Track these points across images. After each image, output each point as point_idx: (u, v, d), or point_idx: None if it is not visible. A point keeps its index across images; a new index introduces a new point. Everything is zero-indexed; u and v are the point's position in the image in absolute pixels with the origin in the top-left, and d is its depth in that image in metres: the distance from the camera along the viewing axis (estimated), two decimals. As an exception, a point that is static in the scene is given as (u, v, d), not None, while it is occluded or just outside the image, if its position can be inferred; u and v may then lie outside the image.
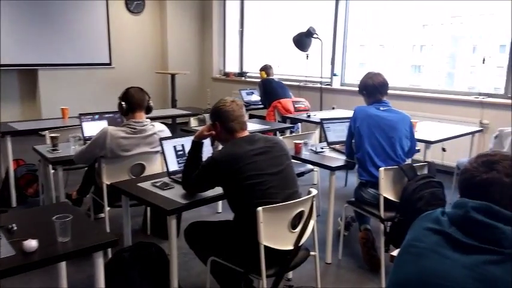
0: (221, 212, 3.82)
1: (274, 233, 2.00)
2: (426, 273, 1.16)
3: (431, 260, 1.17)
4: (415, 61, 6.00)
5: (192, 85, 8.11)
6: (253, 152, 2.03)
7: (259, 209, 1.91)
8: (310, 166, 3.64)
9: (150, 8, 7.65)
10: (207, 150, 2.34)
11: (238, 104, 2.14)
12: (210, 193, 2.25)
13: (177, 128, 5.74)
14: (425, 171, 2.79)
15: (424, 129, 4.02)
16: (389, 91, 5.23)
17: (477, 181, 1.21)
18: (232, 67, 8.06)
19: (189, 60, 8.04)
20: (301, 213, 2.11)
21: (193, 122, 4.14)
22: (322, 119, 3.55)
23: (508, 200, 1.19)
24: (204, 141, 2.26)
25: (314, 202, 2.22)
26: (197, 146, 2.21)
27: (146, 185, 2.40)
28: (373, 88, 2.93)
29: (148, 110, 2.89)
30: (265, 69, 5.55)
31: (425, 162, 2.87)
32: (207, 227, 2.29)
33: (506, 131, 3.96)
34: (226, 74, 7.97)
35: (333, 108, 5.72)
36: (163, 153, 2.53)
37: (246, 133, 2.14)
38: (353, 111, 2.97)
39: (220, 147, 2.31)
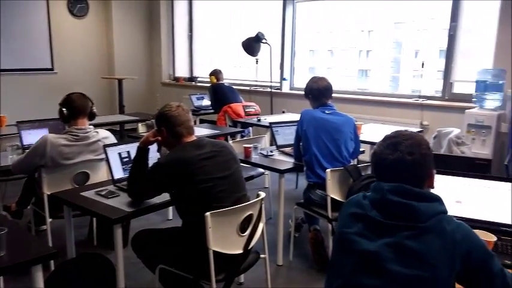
0: (172, 219, 3.76)
1: (223, 238, 2.00)
2: (360, 256, 1.24)
3: (362, 244, 1.25)
4: (362, 66, 6.21)
5: (140, 90, 7.95)
6: (201, 156, 2.02)
7: (207, 214, 1.90)
8: (261, 170, 3.67)
9: (95, 11, 7.41)
10: (154, 157, 2.30)
11: (184, 108, 2.12)
12: (157, 200, 2.20)
13: (126, 134, 5.59)
14: (369, 172, 2.89)
15: (368, 131, 4.17)
16: (338, 95, 5.41)
17: (386, 163, 1.31)
18: (182, 72, 7.97)
19: (137, 65, 7.87)
20: (250, 217, 2.12)
21: (141, 128, 4.05)
22: (271, 123, 3.60)
23: (414, 177, 1.28)
24: (150, 147, 2.22)
25: (263, 205, 2.23)
26: (142, 152, 2.16)
27: (90, 193, 2.31)
28: (318, 92, 3.01)
29: (92, 116, 2.80)
30: (215, 73, 5.54)
31: (368, 162, 2.98)
32: (154, 234, 2.25)
33: (444, 131, 4.20)
34: (176, 79, 7.88)
35: (283, 112, 5.82)
36: (107, 160, 2.45)
37: (193, 138, 2.13)
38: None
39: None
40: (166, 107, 2.11)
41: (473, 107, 4.37)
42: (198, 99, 5.89)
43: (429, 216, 1.22)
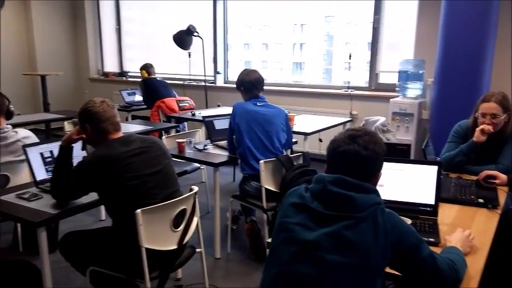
0: (105, 219, 3.62)
1: (156, 234, 1.96)
2: (300, 245, 1.27)
3: (302, 234, 1.28)
4: (296, 59, 6.33)
5: (67, 87, 7.54)
6: (129, 153, 1.95)
7: (138, 211, 1.85)
8: (196, 164, 3.64)
9: (11, 4, 6.89)
10: (79, 155, 2.20)
11: (109, 104, 2.04)
12: (84, 200, 2.10)
13: (52, 133, 5.28)
14: (301, 161, 2.97)
15: (301, 122, 4.28)
16: (273, 88, 5.49)
17: (340, 150, 1.35)
18: (111, 67, 7.66)
19: (62, 60, 7.45)
20: (183, 212, 2.09)
21: (67, 126, 3.85)
22: (204, 117, 3.57)
23: (362, 171, 1.34)
24: (74, 145, 2.11)
25: (196, 199, 2.22)
26: (66, 151, 2.05)
27: (10, 197, 2.16)
28: (250, 84, 3.03)
29: (9, 115, 2.61)
30: (146, 68, 5.38)
31: (300, 152, 3.06)
32: (83, 235, 2.15)
33: (371, 119, 4.41)
34: (106, 74, 7.56)
35: (219, 106, 5.80)
36: (28, 161, 2.30)
37: (120, 134, 2.05)
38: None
39: None
40: (89, 103, 2.02)
41: (397, 96, 4.64)
42: (129, 94, 5.71)
43: (365, 207, 1.27)
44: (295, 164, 2.87)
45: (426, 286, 1.46)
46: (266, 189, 2.81)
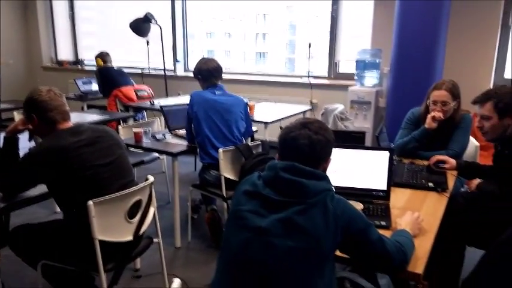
0: (59, 211, 3.50)
1: (110, 226, 1.91)
2: (252, 232, 1.28)
3: (255, 220, 1.29)
4: (260, 48, 6.32)
5: (18, 76, 7.19)
6: (79, 143, 1.89)
7: (90, 202, 1.80)
8: (155, 154, 3.57)
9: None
10: (26, 147, 2.10)
11: (56, 92, 1.96)
12: (34, 192, 2.01)
13: (1, 124, 5.04)
14: (260, 149, 2.98)
15: (262, 111, 4.28)
16: (234, 77, 5.45)
17: (291, 136, 1.37)
18: (66, 55, 7.37)
19: (11, 48, 7.08)
20: (139, 202, 2.05)
21: (17, 117, 3.68)
22: (162, 106, 3.51)
23: (312, 156, 1.36)
24: (21, 136, 2.02)
25: (153, 189, 2.18)
26: (11, 141, 1.96)
27: (-49, 193, 2.04)
28: (208, 73, 2.99)
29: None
30: (101, 56, 5.20)
31: (259, 141, 3.07)
32: (33, 229, 2.07)
33: (330, 108, 4.48)
34: (60, 63, 7.27)
35: (179, 95, 5.70)
36: (-31, 154, 2.17)
37: (69, 124, 1.98)
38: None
39: None
40: (35, 92, 1.92)
41: (355, 85, 4.72)
42: (84, 83, 5.51)
43: (316, 193, 1.29)
44: (254, 152, 2.87)
45: (376, 268, 1.51)
46: (225, 178, 2.80)
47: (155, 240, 2.26)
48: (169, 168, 4.15)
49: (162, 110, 3.46)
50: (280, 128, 4.63)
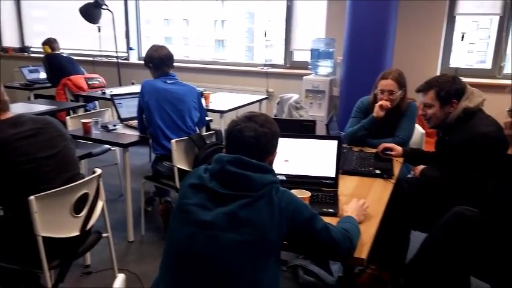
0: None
1: (54, 221, 1.84)
2: (196, 226, 1.27)
3: (199, 214, 1.28)
4: (218, 36, 6.23)
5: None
6: (19, 135, 1.80)
7: (31, 198, 1.72)
8: (107, 146, 3.47)
9: None
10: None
11: (-8, 82, 1.85)
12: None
13: None
14: (214, 139, 2.96)
15: (218, 100, 4.25)
16: (189, 65, 5.36)
17: (237, 129, 1.38)
18: (11, 41, 6.97)
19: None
20: (85, 196, 1.99)
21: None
22: (112, 95, 3.40)
23: (258, 148, 1.37)
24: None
25: (100, 182, 2.12)
26: None
27: None
28: (159, 61, 2.92)
29: None
30: (49, 43, 4.96)
31: (213, 131, 3.04)
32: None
33: (286, 97, 4.50)
34: (4, 50, 6.87)
35: (133, 84, 5.55)
36: None
37: (8, 115, 1.87)
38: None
39: None
40: (-31, 82, 1.81)
41: (310, 74, 4.77)
42: (31, 72, 5.25)
43: (262, 186, 1.30)
44: (208, 142, 2.85)
45: (324, 256, 1.55)
46: (179, 168, 2.76)
47: (104, 234, 2.21)
48: (123, 160, 4.07)
49: (112, 99, 3.36)
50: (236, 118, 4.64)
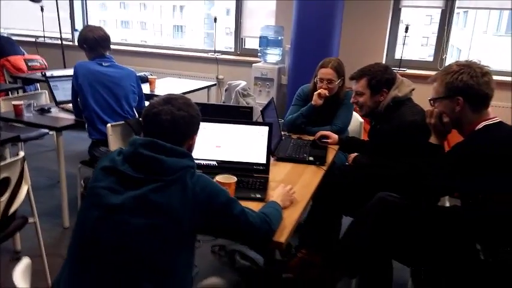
0: None
1: (-31, 207, 1.75)
2: (104, 210, 1.24)
3: (108, 198, 1.25)
4: (177, 21, 6.08)
5: None
6: None
7: None
8: (44, 130, 3.34)
9: None
10: None
11: None
12: None
13: None
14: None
15: (164, 85, 4.17)
16: (136, 49, 5.18)
17: (154, 111, 1.34)
18: None
19: None
20: (6, 180, 1.90)
21: None
22: (47, 77, 3.26)
23: (175, 132, 1.35)
24: None
25: (25, 166, 2.03)
26: None
27: None
28: (94, 42, 2.81)
29: None
30: (-15, 21, 4.68)
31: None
32: None
33: (234, 84, 4.48)
34: None
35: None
36: None
37: None
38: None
39: None
40: None
41: (260, 61, 4.77)
42: (-36, 51, 4.92)
43: (175, 171, 1.26)
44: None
45: (243, 241, 1.55)
46: (116, 154, 2.69)
47: (31, 220, 2.13)
48: (67, 145, 3.92)
49: (47, 81, 3.21)
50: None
